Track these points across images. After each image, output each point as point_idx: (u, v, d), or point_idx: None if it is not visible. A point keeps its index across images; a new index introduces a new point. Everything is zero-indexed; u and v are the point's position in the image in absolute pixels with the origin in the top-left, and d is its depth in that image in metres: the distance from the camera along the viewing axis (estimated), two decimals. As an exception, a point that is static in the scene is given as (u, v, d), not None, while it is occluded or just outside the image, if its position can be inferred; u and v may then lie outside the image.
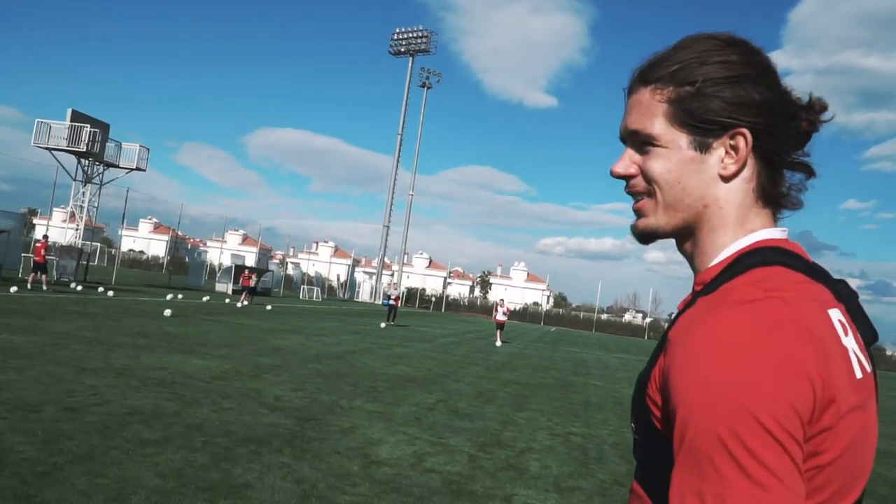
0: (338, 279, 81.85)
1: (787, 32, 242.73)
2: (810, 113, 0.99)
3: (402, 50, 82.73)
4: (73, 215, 35.73)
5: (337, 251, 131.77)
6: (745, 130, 0.94)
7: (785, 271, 0.90)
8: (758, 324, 0.80)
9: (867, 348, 0.93)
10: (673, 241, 1.05)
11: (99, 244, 58.84)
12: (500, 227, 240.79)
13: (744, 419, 0.75)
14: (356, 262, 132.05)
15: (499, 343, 25.96)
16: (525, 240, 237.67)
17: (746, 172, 0.96)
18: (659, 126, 0.98)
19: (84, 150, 32.08)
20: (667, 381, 0.84)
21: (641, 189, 1.01)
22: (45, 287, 23.48)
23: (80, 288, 26.31)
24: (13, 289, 20.53)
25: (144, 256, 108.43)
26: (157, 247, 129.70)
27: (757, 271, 0.89)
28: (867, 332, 0.94)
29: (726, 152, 0.95)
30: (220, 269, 50.98)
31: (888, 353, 77.89)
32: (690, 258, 1.02)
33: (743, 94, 0.94)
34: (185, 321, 18.22)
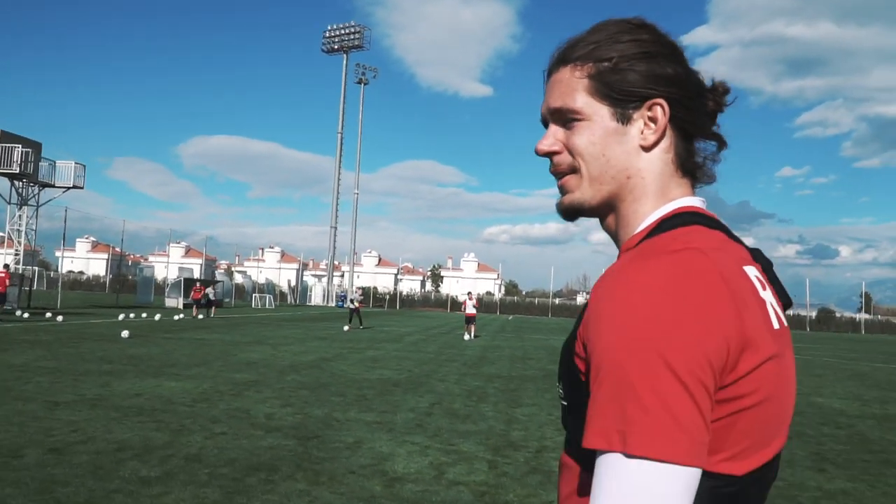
0: (288, 284, 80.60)
1: (712, 7, 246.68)
2: (715, 94, 1.04)
3: (336, 47, 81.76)
4: (6, 240, 34.16)
5: (284, 256, 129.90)
6: (661, 101, 0.98)
7: (703, 229, 0.93)
8: (675, 271, 0.82)
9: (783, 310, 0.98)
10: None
11: (37, 268, 56.73)
12: (444, 219, 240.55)
13: (655, 363, 0.76)
14: (304, 266, 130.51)
15: (467, 337, 25.56)
16: (470, 230, 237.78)
17: (665, 143, 1.00)
18: (581, 100, 1.00)
19: (17, 171, 30.55)
20: (586, 332, 0.85)
21: (566, 166, 1.02)
22: None
23: (26, 315, 25.13)
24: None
25: (84, 277, 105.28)
26: (96, 266, 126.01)
27: (677, 230, 0.92)
28: (783, 296, 0.99)
29: (645, 123, 0.99)
30: (167, 283, 49.63)
31: (836, 314, 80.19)
32: (614, 232, 1.03)
33: (657, 68, 0.98)
34: (145, 341, 17.46)
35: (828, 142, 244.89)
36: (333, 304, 73.42)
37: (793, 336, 1.00)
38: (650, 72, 0.98)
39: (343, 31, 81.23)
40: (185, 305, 42.78)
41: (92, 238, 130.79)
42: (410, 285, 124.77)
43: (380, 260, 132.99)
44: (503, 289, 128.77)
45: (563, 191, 1.05)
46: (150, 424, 7.34)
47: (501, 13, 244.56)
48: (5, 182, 32.54)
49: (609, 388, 0.78)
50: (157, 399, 8.91)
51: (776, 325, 0.90)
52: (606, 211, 1.03)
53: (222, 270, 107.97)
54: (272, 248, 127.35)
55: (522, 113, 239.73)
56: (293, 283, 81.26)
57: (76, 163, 34.28)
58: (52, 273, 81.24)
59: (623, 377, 0.77)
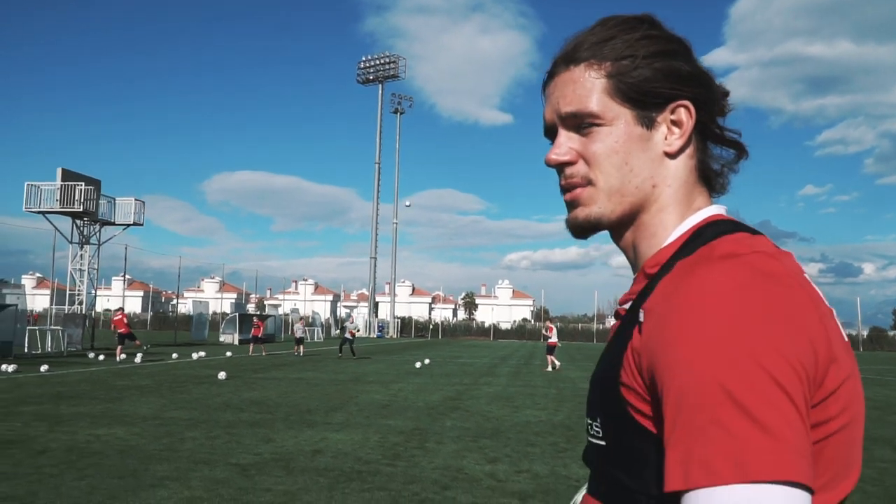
0: (334, 317, 79.77)
1: (729, 28, 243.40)
2: (722, 97, 0.95)
3: (371, 78, 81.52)
4: (43, 280, 33.51)
5: (317, 288, 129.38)
6: (687, 102, 0.89)
7: (751, 236, 0.82)
8: (750, 273, 0.73)
9: None
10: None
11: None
12: (465, 247, 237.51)
13: (751, 370, 0.66)
14: (337, 298, 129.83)
15: (549, 367, 24.34)
16: (492, 257, 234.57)
17: (688, 148, 0.91)
18: (600, 103, 0.89)
19: (80, 209, 29.84)
20: (654, 353, 0.74)
21: (580, 177, 0.91)
22: (118, 357, 23.56)
23: (101, 357, 24.24)
24: (43, 367, 18.49)
25: (82, 313, 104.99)
26: (131, 304, 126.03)
27: (725, 237, 0.82)
28: None
29: (668, 128, 0.90)
30: (223, 319, 48.89)
31: (889, 333, 77.68)
32: (632, 245, 0.93)
33: (680, 66, 0.89)
34: (247, 384, 16.41)
35: (850, 159, 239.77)
36: (375, 336, 72.49)
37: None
38: (673, 70, 0.88)
39: (378, 62, 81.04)
40: (240, 342, 41.92)
41: (128, 276, 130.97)
42: (443, 314, 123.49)
43: (413, 289, 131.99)
44: (535, 315, 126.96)
45: (575, 204, 0.92)
46: (381, 494, 6.22)
47: (519, 41, 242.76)
48: (65, 222, 31.89)
49: (705, 412, 0.66)
50: (345, 456, 7.80)
51: (845, 338, 0.79)
52: (625, 224, 0.92)
53: (252, 304, 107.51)
54: (305, 280, 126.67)
55: (542, 139, 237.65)
56: (327, 315, 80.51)
57: (136, 199, 33.62)
58: (93, 312, 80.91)
59: (722, 395, 0.65)
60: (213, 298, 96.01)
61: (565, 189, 0.93)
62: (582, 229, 0.93)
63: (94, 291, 32.89)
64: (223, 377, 17.21)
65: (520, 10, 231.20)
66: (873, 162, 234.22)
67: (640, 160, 0.89)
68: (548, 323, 26.69)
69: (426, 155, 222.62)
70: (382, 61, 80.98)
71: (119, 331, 24.91)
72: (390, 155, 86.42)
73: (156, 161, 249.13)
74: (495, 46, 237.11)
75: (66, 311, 30.65)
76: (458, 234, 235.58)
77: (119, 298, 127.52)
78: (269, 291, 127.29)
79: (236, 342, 41.86)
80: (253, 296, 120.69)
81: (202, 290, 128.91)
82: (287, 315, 67.59)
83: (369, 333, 74.35)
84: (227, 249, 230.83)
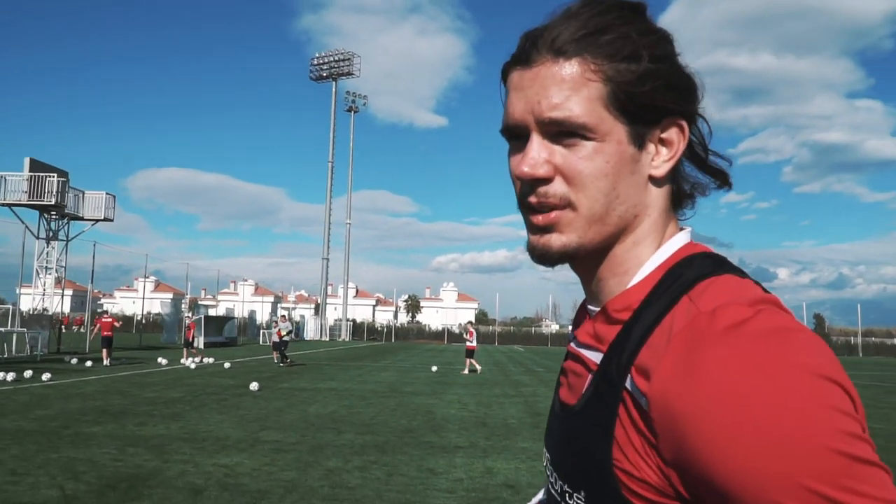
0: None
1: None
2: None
3: (325, 74, 79.69)
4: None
5: (257, 289, 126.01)
6: (682, 121, 0.77)
7: (736, 279, 0.71)
8: (773, 346, 0.62)
9: None
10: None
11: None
12: (397, 249, 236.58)
13: (825, 458, 0.57)
14: (278, 299, 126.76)
15: (466, 371, 23.86)
16: (423, 259, 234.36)
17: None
18: (594, 113, 0.73)
19: (53, 202, 27.53)
20: (695, 458, 0.61)
21: (558, 198, 0.75)
22: (106, 362, 22.46)
23: (89, 364, 22.25)
24: (45, 375, 16.61)
25: (49, 314, 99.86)
26: (58, 302, 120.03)
27: (709, 283, 0.70)
28: None
29: (656, 148, 0.77)
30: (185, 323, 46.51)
31: (834, 339, 79.98)
32: (596, 277, 0.80)
33: (682, 75, 0.76)
34: (290, 396, 14.96)
35: (770, 168, 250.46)
36: (327, 339, 70.65)
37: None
38: (676, 80, 0.75)
39: (332, 59, 79.23)
40: (205, 345, 39.94)
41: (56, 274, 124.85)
42: (385, 316, 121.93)
43: (357, 291, 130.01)
44: (477, 318, 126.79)
45: (549, 229, 0.76)
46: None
47: (456, 45, 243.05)
48: (29, 214, 29.48)
49: None
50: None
51: None
52: (595, 255, 0.79)
53: (185, 305, 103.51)
54: (245, 280, 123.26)
55: (476, 143, 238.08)
56: (266, 317, 78.12)
57: (107, 193, 31.40)
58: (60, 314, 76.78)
59: (807, 492, 0.57)
60: (147, 298, 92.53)
61: (536, 209, 0.76)
62: (554, 259, 0.77)
63: (62, 291, 30.43)
64: (256, 388, 15.74)
65: (457, 13, 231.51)
66: (792, 170, 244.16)
67: (628, 185, 0.75)
68: (468, 327, 26.22)
69: (359, 155, 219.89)
70: (336, 58, 79.27)
71: (103, 334, 23.32)
72: (337, 154, 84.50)
73: (81, 155, 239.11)
74: (432, 49, 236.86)
75: (33, 313, 28.30)
76: (389, 235, 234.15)
77: (46, 297, 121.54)
78: (203, 291, 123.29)
79: (202, 346, 39.81)
80: (187, 296, 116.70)
81: (135, 290, 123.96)
82: (244, 317, 65.27)
83: (321, 337, 72.25)
84: (152, 248, 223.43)
